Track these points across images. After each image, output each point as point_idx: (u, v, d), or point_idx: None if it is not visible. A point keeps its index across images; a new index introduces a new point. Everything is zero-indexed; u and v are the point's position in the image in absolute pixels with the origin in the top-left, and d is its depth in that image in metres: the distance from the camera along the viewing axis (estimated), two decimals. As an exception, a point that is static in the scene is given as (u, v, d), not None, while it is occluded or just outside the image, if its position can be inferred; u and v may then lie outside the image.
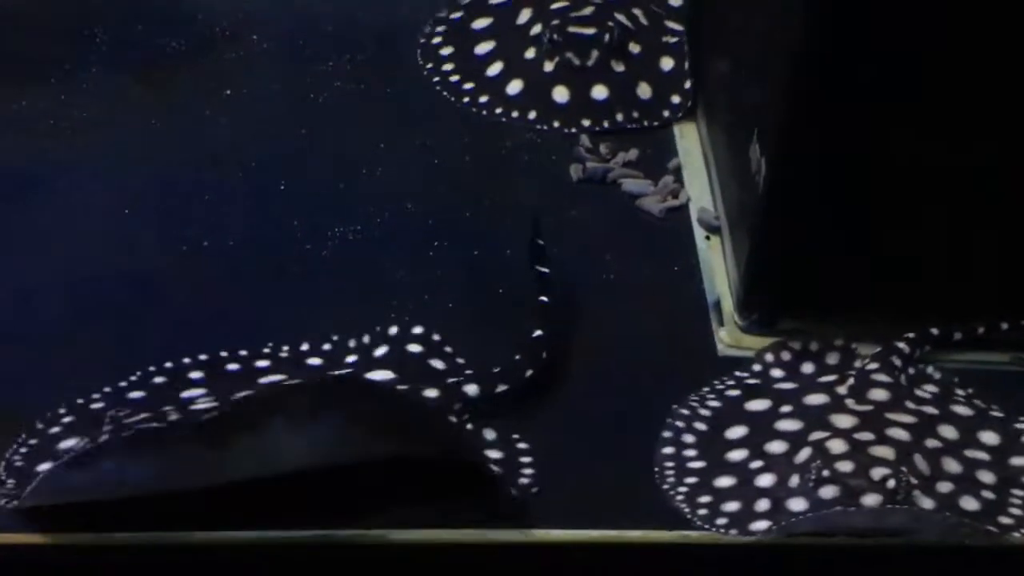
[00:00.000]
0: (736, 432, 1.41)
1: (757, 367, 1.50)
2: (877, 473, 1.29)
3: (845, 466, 1.29)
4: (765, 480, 1.33)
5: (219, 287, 1.59)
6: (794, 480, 1.31)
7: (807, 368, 1.50)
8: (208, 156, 1.79)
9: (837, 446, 1.33)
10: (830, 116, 1.39)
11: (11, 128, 1.81)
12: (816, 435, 1.36)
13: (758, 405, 1.44)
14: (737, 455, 1.37)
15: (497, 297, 1.60)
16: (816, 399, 1.43)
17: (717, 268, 1.66)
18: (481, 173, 1.80)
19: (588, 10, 1.96)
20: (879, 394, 1.43)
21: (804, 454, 1.33)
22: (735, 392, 1.46)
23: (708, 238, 1.70)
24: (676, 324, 1.58)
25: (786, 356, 1.51)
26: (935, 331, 1.50)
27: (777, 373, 1.50)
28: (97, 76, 1.92)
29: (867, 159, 1.42)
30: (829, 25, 1.34)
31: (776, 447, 1.37)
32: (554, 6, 1.98)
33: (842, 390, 1.44)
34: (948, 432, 1.39)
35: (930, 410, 1.42)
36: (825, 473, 1.29)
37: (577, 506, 1.33)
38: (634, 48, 1.93)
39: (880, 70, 1.35)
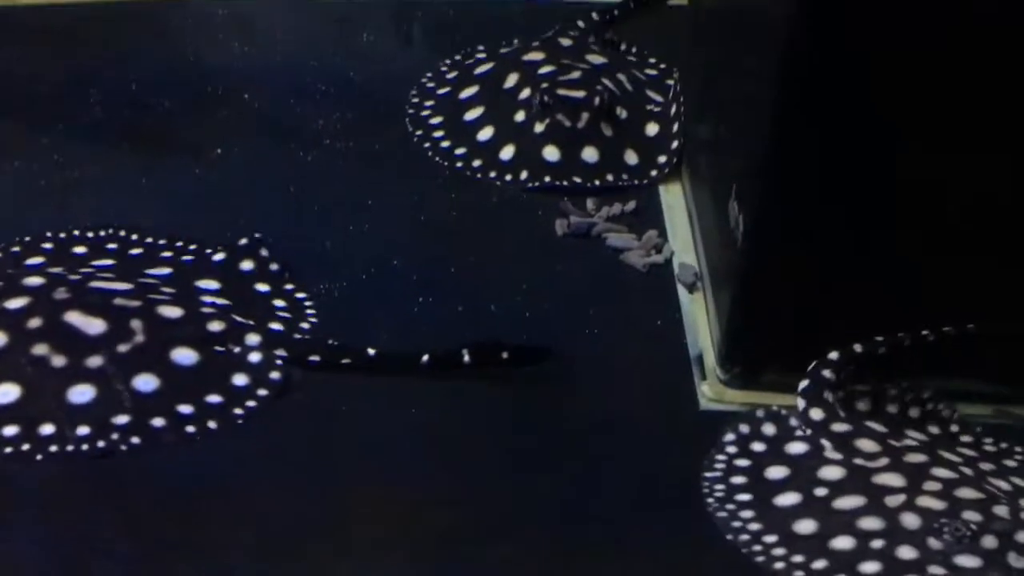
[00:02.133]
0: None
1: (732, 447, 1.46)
2: (1001, 511, 1.28)
3: (972, 515, 1.28)
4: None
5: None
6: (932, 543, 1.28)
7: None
8: (198, 215, 1.81)
9: (931, 502, 1.31)
10: (805, 173, 1.42)
11: (3, 189, 1.84)
12: (892, 498, 1.33)
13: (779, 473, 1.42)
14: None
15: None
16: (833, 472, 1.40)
17: (700, 322, 1.67)
18: (468, 229, 1.82)
19: (576, 74, 2.00)
20: (871, 446, 1.41)
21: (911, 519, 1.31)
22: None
23: (691, 292, 1.72)
24: (658, 378, 1.59)
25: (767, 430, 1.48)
26: (858, 348, 1.49)
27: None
28: (90, 135, 1.96)
29: (843, 216, 1.44)
30: (802, 88, 1.37)
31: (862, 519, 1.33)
32: (541, 70, 2.02)
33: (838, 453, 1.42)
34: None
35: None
36: (966, 528, 1.27)
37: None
38: (621, 113, 1.96)
39: (851, 134, 1.37)
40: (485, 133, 1.96)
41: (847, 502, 1.35)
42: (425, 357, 1.53)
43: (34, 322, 1.49)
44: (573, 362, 1.59)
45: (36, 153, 1.90)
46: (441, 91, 2.09)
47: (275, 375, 1.52)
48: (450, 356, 1.54)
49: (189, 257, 1.69)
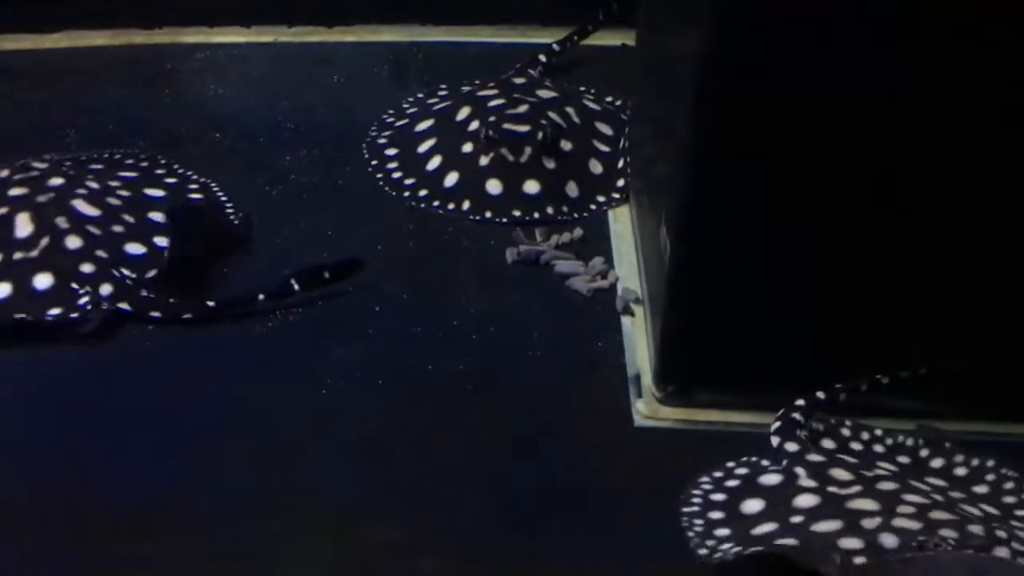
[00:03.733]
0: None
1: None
2: (976, 529, 1.31)
3: (949, 533, 1.30)
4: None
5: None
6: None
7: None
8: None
9: (906, 523, 1.34)
10: (722, 203, 1.50)
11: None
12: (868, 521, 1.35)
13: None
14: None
15: (428, 371, 1.69)
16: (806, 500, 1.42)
17: (639, 344, 1.75)
18: (422, 257, 1.91)
19: (523, 108, 2.07)
20: (844, 475, 1.45)
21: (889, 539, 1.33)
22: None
23: (632, 315, 1.80)
24: (597, 396, 1.67)
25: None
26: (821, 395, 1.56)
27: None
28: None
29: (764, 238, 1.52)
30: (714, 126, 1.46)
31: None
32: (491, 104, 2.09)
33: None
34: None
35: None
36: (945, 543, 1.28)
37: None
38: (566, 146, 2.02)
39: (762, 166, 1.46)
40: (433, 163, 2.04)
41: (824, 526, 1.37)
42: (260, 296, 1.73)
43: None
44: (514, 381, 1.67)
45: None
46: (399, 123, 2.17)
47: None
48: (282, 288, 1.75)
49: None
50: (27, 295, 1.70)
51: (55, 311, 1.69)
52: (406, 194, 2.01)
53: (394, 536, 1.44)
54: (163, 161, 2.05)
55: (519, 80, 2.25)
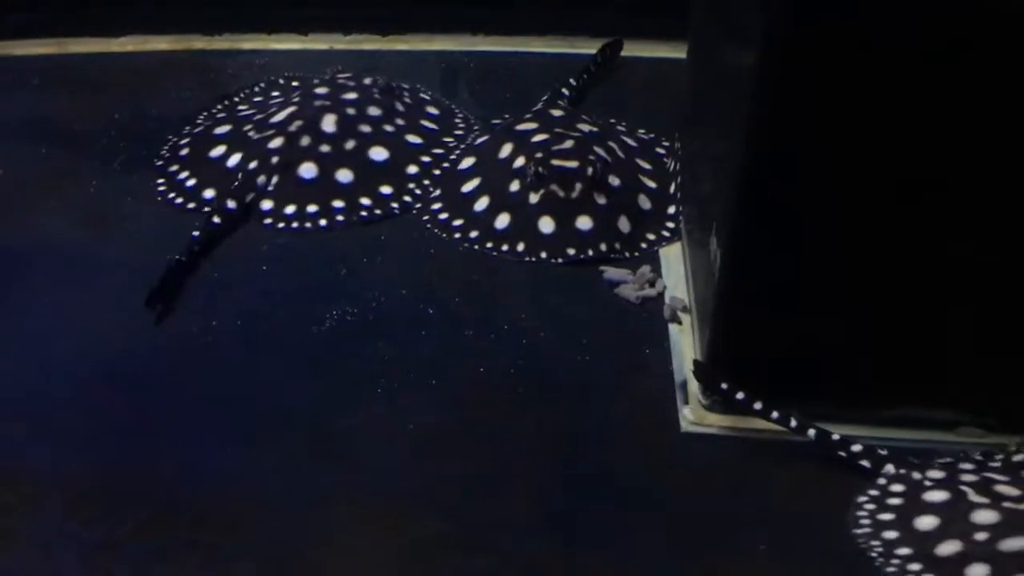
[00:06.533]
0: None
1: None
2: None
3: None
4: None
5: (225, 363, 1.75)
6: None
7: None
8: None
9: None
10: (777, 209, 1.52)
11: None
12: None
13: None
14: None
15: (479, 374, 1.73)
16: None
17: (686, 351, 1.78)
18: (472, 270, 1.93)
19: (569, 143, 2.03)
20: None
21: None
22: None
23: (680, 323, 1.83)
24: (644, 402, 1.70)
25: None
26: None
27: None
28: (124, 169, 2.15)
29: (814, 248, 1.55)
30: (771, 130, 1.48)
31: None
32: (534, 139, 2.06)
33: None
34: None
35: None
36: None
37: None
38: (614, 181, 2.00)
39: (815, 180, 1.48)
40: (481, 203, 2.00)
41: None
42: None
43: None
44: (562, 386, 1.71)
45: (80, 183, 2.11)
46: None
47: None
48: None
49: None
50: None
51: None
52: (456, 235, 1.97)
53: (446, 532, 1.48)
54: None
55: (556, 113, 2.22)
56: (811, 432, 1.58)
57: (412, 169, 2.10)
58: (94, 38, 2.58)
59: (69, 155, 2.18)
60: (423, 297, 1.86)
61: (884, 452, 1.56)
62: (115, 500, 1.51)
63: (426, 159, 2.13)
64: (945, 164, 1.45)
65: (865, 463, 1.55)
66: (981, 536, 1.41)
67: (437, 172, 2.11)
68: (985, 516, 1.43)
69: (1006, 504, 1.43)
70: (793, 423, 1.59)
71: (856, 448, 1.56)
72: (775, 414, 1.59)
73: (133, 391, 1.68)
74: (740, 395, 1.61)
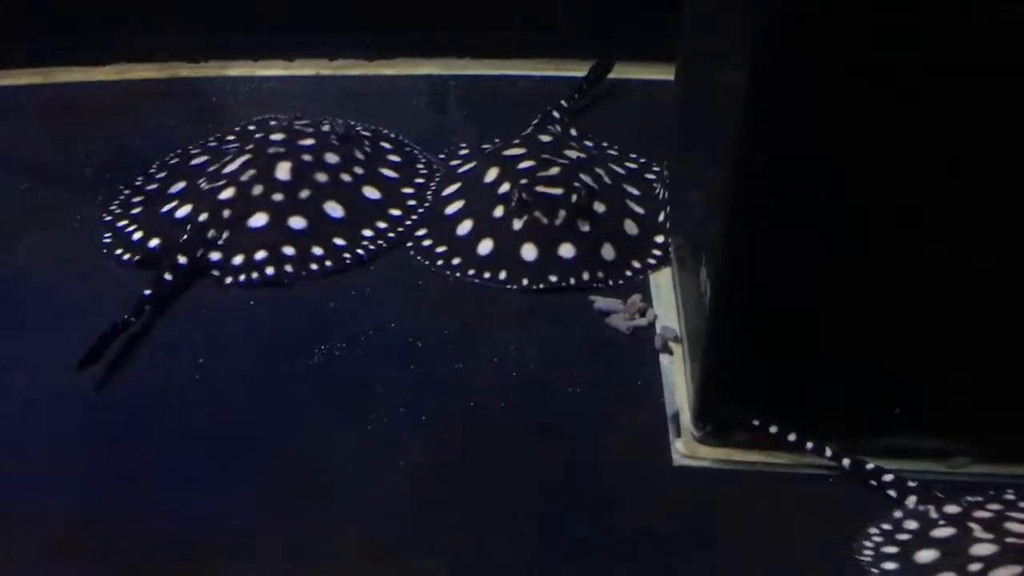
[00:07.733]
0: None
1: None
2: None
3: None
4: None
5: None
6: None
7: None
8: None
9: None
10: (767, 239, 1.51)
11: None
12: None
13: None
14: None
15: (469, 408, 1.72)
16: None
17: (678, 382, 1.77)
18: (461, 299, 1.92)
19: (555, 170, 2.02)
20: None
21: None
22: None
23: (671, 353, 1.82)
24: (635, 434, 1.68)
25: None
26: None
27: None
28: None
29: (805, 280, 1.53)
30: (756, 176, 1.47)
31: None
32: (520, 165, 2.05)
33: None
34: None
35: None
36: None
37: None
38: (599, 207, 1.98)
39: (806, 210, 1.48)
40: (463, 228, 1.99)
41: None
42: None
43: None
44: (553, 421, 1.69)
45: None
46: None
47: None
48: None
49: None
50: None
51: None
52: (439, 263, 1.96)
53: (435, 569, 1.47)
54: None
55: (545, 139, 2.20)
56: (846, 462, 1.58)
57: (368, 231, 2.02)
58: (79, 67, 2.57)
59: (50, 188, 2.16)
60: (411, 329, 1.85)
61: (914, 484, 1.55)
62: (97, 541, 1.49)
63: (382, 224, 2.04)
64: (940, 198, 1.45)
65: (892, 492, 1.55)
66: (975, 567, 1.40)
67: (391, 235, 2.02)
68: (983, 549, 1.42)
69: (1009, 540, 1.42)
70: (828, 452, 1.59)
71: (887, 478, 1.56)
72: (809, 444, 1.59)
73: (112, 431, 1.67)
74: (773, 429, 1.60)
